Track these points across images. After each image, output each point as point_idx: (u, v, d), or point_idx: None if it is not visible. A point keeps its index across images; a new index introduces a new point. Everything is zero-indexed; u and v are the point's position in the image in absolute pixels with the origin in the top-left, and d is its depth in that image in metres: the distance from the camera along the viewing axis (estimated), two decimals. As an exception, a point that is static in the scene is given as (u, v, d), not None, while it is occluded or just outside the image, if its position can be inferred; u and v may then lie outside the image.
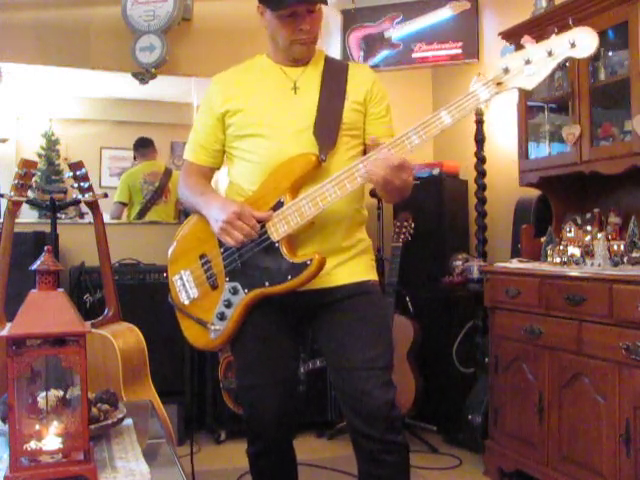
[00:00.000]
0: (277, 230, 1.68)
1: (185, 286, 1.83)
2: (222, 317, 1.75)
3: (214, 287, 1.78)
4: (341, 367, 1.75)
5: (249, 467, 1.94)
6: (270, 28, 1.77)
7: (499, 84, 1.58)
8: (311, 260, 1.65)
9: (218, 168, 1.94)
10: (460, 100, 1.59)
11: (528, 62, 1.56)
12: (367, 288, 1.80)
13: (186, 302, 1.83)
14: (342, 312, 1.76)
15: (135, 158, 4.49)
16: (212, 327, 1.76)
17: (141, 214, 4.25)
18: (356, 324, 1.75)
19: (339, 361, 1.76)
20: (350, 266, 1.79)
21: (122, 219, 4.26)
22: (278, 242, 1.68)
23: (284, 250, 1.68)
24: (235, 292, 1.74)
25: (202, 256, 1.81)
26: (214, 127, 1.85)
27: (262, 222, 1.68)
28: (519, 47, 1.60)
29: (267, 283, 1.70)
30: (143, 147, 4.43)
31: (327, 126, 1.75)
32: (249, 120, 1.78)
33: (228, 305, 1.74)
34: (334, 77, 1.82)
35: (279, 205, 1.69)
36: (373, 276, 1.85)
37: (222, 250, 1.76)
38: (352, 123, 1.80)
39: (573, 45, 1.53)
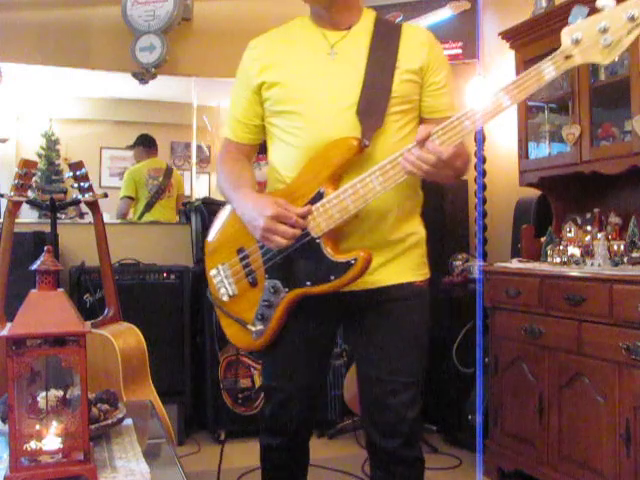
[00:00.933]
0: (318, 225, 1.53)
1: (224, 282, 1.70)
2: (263, 317, 1.64)
3: (253, 284, 1.65)
4: (367, 375, 1.67)
5: (260, 457, 1.83)
6: None
7: (568, 58, 1.36)
8: (355, 259, 1.49)
9: (259, 143, 1.78)
10: (521, 79, 1.38)
11: (604, 30, 1.31)
12: (411, 292, 1.66)
13: (225, 299, 1.70)
14: (379, 317, 1.65)
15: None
16: (253, 328, 1.64)
17: (147, 208, 4.28)
18: (390, 332, 1.64)
19: (366, 368, 1.67)
20: (396, 264, 1.64)
21: (129, 214, 4.29)
22: (319, 238, 1.53)
23: (326, 247, 1.53)
24: (276, 291, 1.61)
25: (240, 250, 1.67)
26: (251, 100, 1.67)
27: (303, 216, 1.53)
28: (594, 10, 1.35)
29: (309, 282, 1.56)
30: (148, 146, 4.47)
31: (373, 103, 1.54)
32: (286, 95, 1.61)
33: (269, 305, 1.62)
34: (383, 42, 1.60)
35: (318, 197, 1.53)
36: (421, 275, 1.71)
37: (260, 245, 1.62)
38: (405, 96, 1.58)
39: None
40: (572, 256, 2.70)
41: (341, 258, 1.52)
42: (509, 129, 3.48)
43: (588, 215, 2.90)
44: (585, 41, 1.35)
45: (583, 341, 2.43)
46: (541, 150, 3.10)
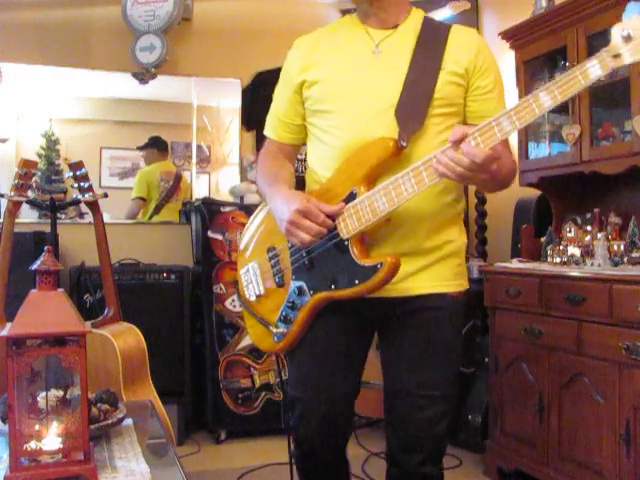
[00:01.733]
0: (347, 226, 1.48)
1: (252, 281, 1.67)
2: (286, 320, 1.59)
3: (280, 285, 1.61)
4: (393, 387, 1.62)
5: (296, 468, 1.75)
6: None
7: (616, 57, 1.27)
8: (382, 264, 1.42)
9: (302, 144, 1.74)
10: (564, 78, 1.29)
11: None
12: (446, 302, 1.58)
13: (252, 298, 1.67)
14: (409, 327, 1.58)
15: (142, 148, 4.49)
16: (275, 330, 1.60)
17: (156, 211, 4.29)
18: (420, 343, 1.57)
19: (393, 379, 1.62)
20: (431, 273, 1.57)
21: (139, 216, 4.29)
22: (348, 240, 1.48)
23: (354, 250, 1.47)
24: (301, 293, 1.56)
25: (270, 249, 1.64)
26: (293, 99, 1.65)
27: (332, 216, 1.48)
28: None
29: (333, 286, 1.50)
30: (162, 149, 4.48)
31: (413, 104, 1.49)
32: (326, 94, 1.57)
33: (293, 307, 1.57)
34: (429, 43, 1.55)
35: (351, 197, 1.48)
36: (456, 286, 1.62)
37: (290, 244, 1.58)
38: (448, 98, 1.53)
39: None
40: (572, 256, 2.70)
41: (367, 262, 1.45)
42: (509, 129, 3.48)
43: (588, 215, 2.90)
44: (637, 38, 1.26)
45: (583, 341, 2.43)
46: (541, 150, 3.10)
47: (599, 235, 2.63)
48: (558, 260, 2.73)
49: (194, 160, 4.35)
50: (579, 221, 2.92)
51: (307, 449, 1.68)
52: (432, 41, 1.56)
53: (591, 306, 2.39)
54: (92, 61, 3.83)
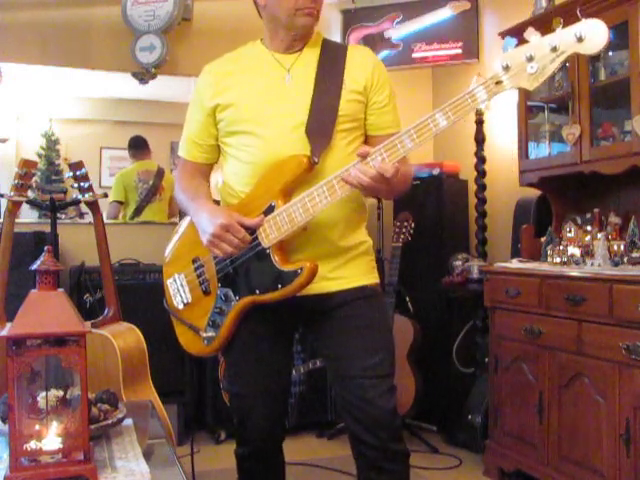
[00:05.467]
0: (268, 236, 1.61)
1: (179, 290, 1.79)
2: (214, 324, 1.71)
3: (207, 293, 1.73)
4: (342, 375, 1.70)
5: (236, 468, 1.88)
6: (270, 2, 1.66)
7: (498, 83, 1.44)
8: (302, 269, 1.56)
9: (215, 162, 1.86)
10: (456, 101, 1.46)
11: (530, 59, 1.41)
12: (366, 293, 1.72)
13: (180, 307, 1.79)
14: (341, 319, 1.70)
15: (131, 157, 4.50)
16: (204, 334, 1.72)
17: (136, 212, 4.26)
18: (356, 331, 1.69)
19: (340, 369, 1.70)
20: (348, 269, 1.71)
21: (119, 218, 4.27)
22: (269, 249, 1.61)
23: (275, 257, 1.61)
24: (227, 299, 1.68)
25: (195, 260, 1.76)
26: (206, 122, 1.76)
27: (253, 229, 1.61)
28: (522, 41, 1.46)
29: (258, 291, 1.64)
30: (136, 147, 4.45)
31: (321, 123, 1.64)
32: (240, 116, 1.69)
33: (220, 312, 1.70)
34: (330, 64, 1.70)
35: (270, 210, 1.61)
36: (373, 279, 1.77)
37: (214, 255, 1.69)
38: (350, 115, 1.68)
39: (580, 39, 1.37)
40: (572, 256, 2.70)
41: (288, 267, 1.60)
42: (509, 129, 3.48)
43: (588, 215, 2.90)
44: (513, 68, 1.44)
45: (583, 341, 2.43)
46: (541, 150, 3.10)
47: (599, 235, 2.63)
48: (558, 260, 2.73)
49: (194, 160, 4.34)
50: (579, 221, 2.92)
51: (252, 445, 1.80)
52: (332, 62, 1.71)
53: (591, 306, 2.39)
54: (92, 61, 3.82)
